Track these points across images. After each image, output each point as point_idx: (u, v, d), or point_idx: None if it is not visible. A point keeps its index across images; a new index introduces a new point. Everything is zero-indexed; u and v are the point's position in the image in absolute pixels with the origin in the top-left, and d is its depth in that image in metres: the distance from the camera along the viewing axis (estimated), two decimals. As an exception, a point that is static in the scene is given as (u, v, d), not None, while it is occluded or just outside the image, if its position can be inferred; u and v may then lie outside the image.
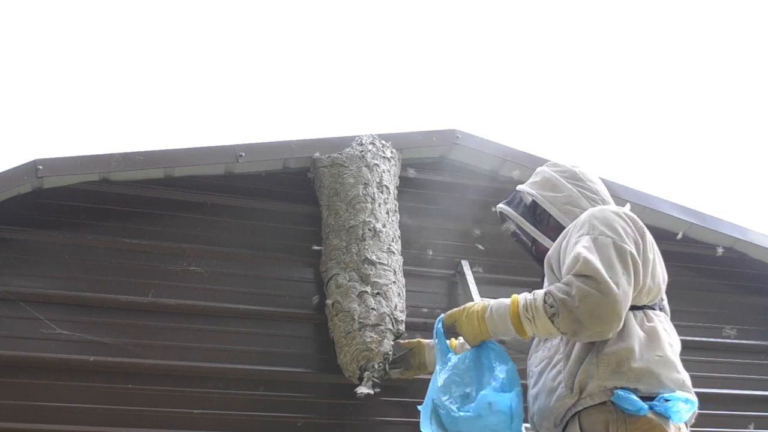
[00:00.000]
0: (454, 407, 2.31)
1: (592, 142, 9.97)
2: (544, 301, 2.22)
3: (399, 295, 3.27)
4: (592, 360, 2.22)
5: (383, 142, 3.53)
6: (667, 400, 2.17)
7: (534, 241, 2.64)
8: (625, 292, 2.17)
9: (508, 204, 2.67)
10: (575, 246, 2.26)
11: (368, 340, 3.09)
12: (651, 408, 2.15)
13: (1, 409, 2.80)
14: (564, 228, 2.45)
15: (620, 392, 2.16)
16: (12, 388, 2.85)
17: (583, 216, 2.38)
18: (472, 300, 3.34)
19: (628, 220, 2.34)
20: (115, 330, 3.03)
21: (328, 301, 3.23)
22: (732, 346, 3.95)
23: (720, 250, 4.00)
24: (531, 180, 2.66)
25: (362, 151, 3.45)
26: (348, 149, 3.47)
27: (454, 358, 2.44)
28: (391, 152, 3.54)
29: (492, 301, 2.40)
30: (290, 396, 3.17)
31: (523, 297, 2.31)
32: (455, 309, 2.49)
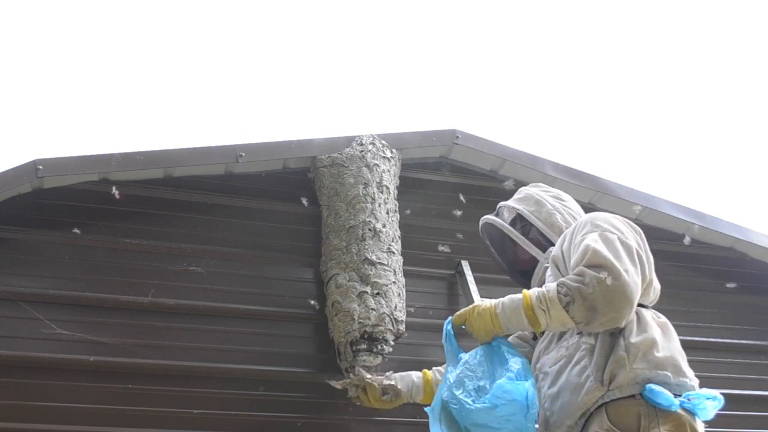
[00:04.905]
0: (468, 400, 2.29)
1: (593, 142, 9.97)
2: (558, 291, 2.28)
3: (399, 295, 3.27)
4: (620, 350, 2.28)
5: (383, 142, 3.53)
6: (689, 399, 2.20)
7: (515, 249, 2.76)
8: (634, 280, 2.26)
9: (495, 217, 2.82)
10: (582, 241, 2.35)
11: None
12: (680, 405, 2.20)
13: (1, 409, 2.80)
14: (547, 238, 2.63)
15: (653, 387, 2.20)
16: (12, 388, 2.85)
17: (584, 218, 2.49)
18: (472, 300, 3.35)
19: (626, 222, 2.46)
20: (115, 330, 3.03)
21: (328, 301, 3.23)
22: (732, 346, 3.95)
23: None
24: (515, 197, 2.81)
25: (362, 151, 3.45)
26: (348, 149, 3.47)
27: (465, 356, 2.44)
28: (391, 152, 3.54)
29: (503, 298, 2.44)
30: (290, 396, 3.17)
31: (534, 290, 2.36)
32: (464, 309, 2.51)
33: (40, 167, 3.05)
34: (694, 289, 3.99)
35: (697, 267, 4.06)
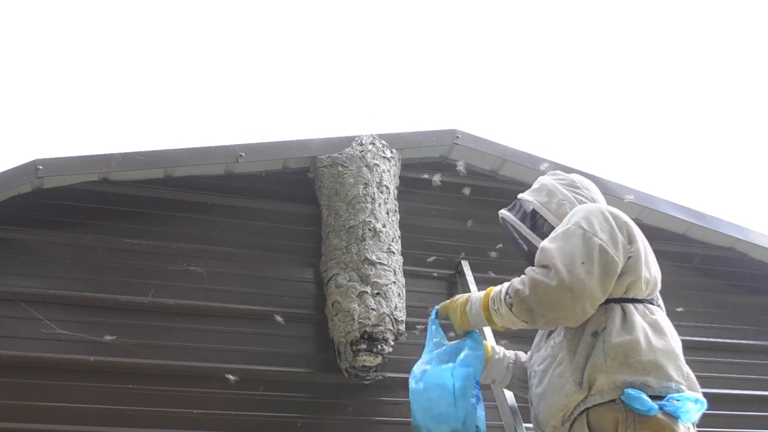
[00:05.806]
0: (412, 383, 2.50)
1: (592, 141, 9.98)
2: (506, 293, 2.32)
3: (399, 295, 3.27)
4: (600, 353, 2.24)
5: (383, 142, 3.53)
6: (677, 401, 2.16)
7: (530, 245, 2.67)
8: (580, 279, 2.21)
9: (510, 210, 2.76)
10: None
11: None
12: (661, 408, 2.15)
13: (1, 409, 2.80)
14: None
15: (630, 392, 2.16)
16: (12, 388, 2.85)
17: (571, 212, 2.44)
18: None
19: (609, 216, 2.37)
20: (115, 330, 3.03)
21: (328, 301, 3.23)
22: (732, 346, 3.95)
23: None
24: (531, 188, 2.74)
25: (362, 151, 3.45)
26: (348, 149, 3.47)
27: (439, 340, 2.59)
28: (391, 152, 3.54)
29: (476, 293, 2.49)
30: (290, 396, 3.17)
31: (496, 289, 2.39)
32: (447, 300, 2.59)
33: (40, 167, 3.05)
34: (694, 289, 3.99)
35: (697, 267, 4.06)
